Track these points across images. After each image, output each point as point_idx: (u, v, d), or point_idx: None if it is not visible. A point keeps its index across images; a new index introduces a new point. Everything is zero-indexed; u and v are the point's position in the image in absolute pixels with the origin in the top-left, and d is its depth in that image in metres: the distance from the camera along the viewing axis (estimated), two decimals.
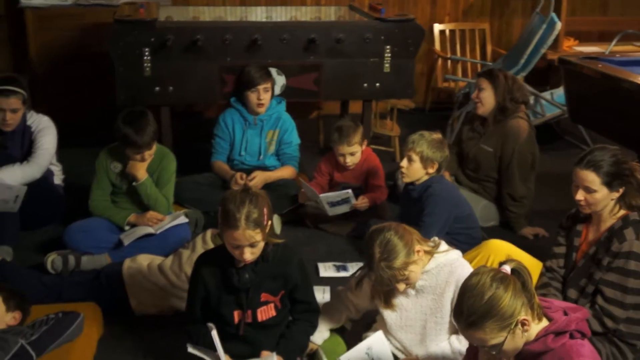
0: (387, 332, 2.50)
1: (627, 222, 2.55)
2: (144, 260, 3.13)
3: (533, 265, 2.89)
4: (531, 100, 5.06)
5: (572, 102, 4.16)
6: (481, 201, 3.91)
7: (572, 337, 1.92)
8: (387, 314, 2.49)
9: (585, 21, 6.34)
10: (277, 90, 4.29)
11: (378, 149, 4.70)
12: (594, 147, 2.65)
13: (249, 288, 2.40)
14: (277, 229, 3.70)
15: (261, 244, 2.33)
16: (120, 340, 2.87)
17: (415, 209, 3.34)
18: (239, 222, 2.24)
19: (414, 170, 3.31)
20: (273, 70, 4.23)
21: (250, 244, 2.28)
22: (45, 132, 3.72)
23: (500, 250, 2.85)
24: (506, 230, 3.88)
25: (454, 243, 2.73)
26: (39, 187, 3.62)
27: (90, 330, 2.78)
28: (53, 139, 3.75)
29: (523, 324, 1.89)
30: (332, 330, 2.65)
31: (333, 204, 3.75)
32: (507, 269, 1.93)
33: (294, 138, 4.16)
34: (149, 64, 4.11)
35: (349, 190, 3.70)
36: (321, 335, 2.60)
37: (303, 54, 4.30)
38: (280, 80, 4.31)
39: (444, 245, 2.46)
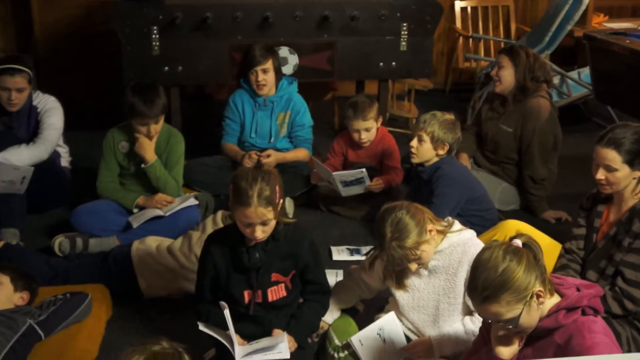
0: (400, 313, 2.59)
1: None
2: (153, 242, 3.25)
3: (552, 247, 2.96)
4: (556, 80, 5.10)
5: (598, 80, 4.21)
6: (501, 184, 3.99)
7: (584, 313, 1.97)
8: (400, 295, 2.57)
9: None
10: (290, 70, 4.38)
11: (395, 131, 4.77)
12: (615, 125, 2.71)
13: (260, 268, 2.49)
14: (290, 212, 3.79)
15: (273, 223, 2.42)
16: (129, 322, 3.00)
17: (425, 191, 3.42)
18: (251, 199, 2.32)
19: (424, 150, 3.39)
20: (285, 49, 4.32)
21: (262, 222, 2.36)
22: (52, 112, 3.84)
23: (517, 230, 2.90)
24: (527, 214, 3.95)
25: (468, 226, 2.81)
26: (46, 169, 3.75)
27: (99, 312, 2.91)
28: (60, 120, 3.87)
29: (538, 296, 1.94)
30: (343, 311, 2.75)
31: (347, 184, 3.84)
32: (518, 242, 2.00)
33: (307, 120, 4.24)
34: (157, 43, 4.22)
35: (363, 170, 3.79)
36: (331, 314, 2.69)
37: (316, 32, 4.39)
38: (292, 60, 4.40)
39: (457, 225, 2.53)
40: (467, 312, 2.51)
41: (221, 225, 3.13)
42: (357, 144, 4.00)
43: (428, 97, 5.81)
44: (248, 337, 2.52)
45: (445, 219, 2.57)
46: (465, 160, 3.94)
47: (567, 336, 1.95)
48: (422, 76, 4.80)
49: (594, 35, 4.16)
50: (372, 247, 2.63)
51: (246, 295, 2.53)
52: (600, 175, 2.67)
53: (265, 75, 4.04)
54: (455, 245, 2.48)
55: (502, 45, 5.86)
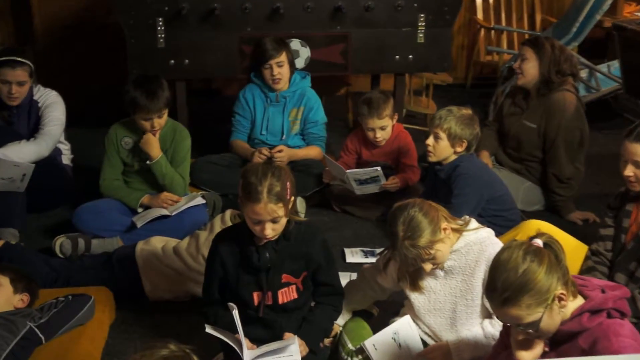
0: (416, 317, 2.62)
1: None
2: (158, 242, 3.29)
3: (578, 249, 2.99)
4: (584, 73, 5.10)
5: (627, 72, 4.22)
6: (524, 183, 4.00)
7: (609, 316, 1.98)
8: (415, 297, 2.60)
9: None
10: (301, 64, 4.42)
11: (412, 128, 4.80)
12: None
13: (270, 268, 2.53)
14: (301, 212, 3.83)
15: (283, 220, 2.45)
16: (133, 326, 3.04)
17: (443, 191, 3.44)
18: (261, 195, 2.36)
19: (440, 148, 3.40)
20: (296, 42, 4.36)
21: (272, 219, 2.40)
22: (54, 107, 3.90)
23: (537, 230, 2.92)
24: (552, 215, 3.96)
25: (489, 227, 2.83)
26: (47, 166, 3.79)
27: (101, 315, 2.96)
28: (62, 115, 3.93)
29: (560, 299, 1.95)
30: (356, 313, 2.78)
31: (361, 182, 3.87)
32: (538, 242, 2.01)
33: (320, 116, 4.28)
34: (162, 35, 4.27)
35: (378, 168, 3.82)
36: (342, 316, 2.73)
37: (329, 23, 4.43)
38: (304, 53, 4.44)
39: (474, 223, 2.55)
40: (486, 314, 2.53)
41: (230, 224, 3.15)
42: (372, 142, 4.03)
43: (447, 92, 5.83)
44: (257, 341, 2.55)
45: (462, 217, 2.59)
46: (486, 158, 3.96)
47: (591, 340, 1.96)
48: (440, 70, 4.82)
49: (624, 26, 4.17)
50: (385, 248, 2.66)
51: (255, 297, 2.57)
52: (629, 171, 2.69)
53: (280, 69, 4.08)
54: (472, 244, 2.51)
55: (527, 37, 5.87)
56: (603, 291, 2.03)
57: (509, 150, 4.10)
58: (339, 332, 2.74)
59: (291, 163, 4.04)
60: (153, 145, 3.61)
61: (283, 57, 4.08)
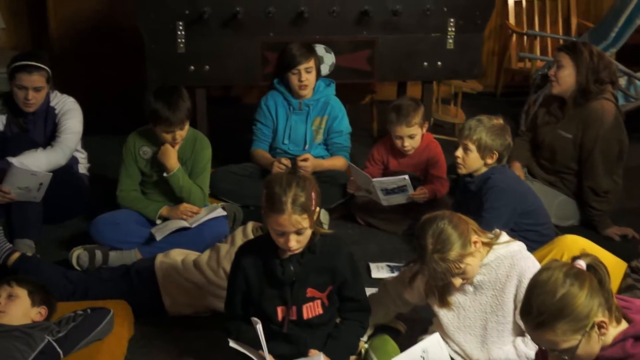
0: (445, 335, 2.66)
1: None
2: (178, 255, 3.36)
3: (616, 266, 3.01)
4: (623, 81, 5.11)
5: None
6: (558, 196, 4.02)
7: None
8: (443, 314, 2.65)
9: None
10: (326, 70, 4.48)
11: (440, 138, 4.83)
12: None
13: (294, 282, 2.59)
14: (325, 224, 3.88)
15: (308, 232, 2.51)
16: (152, 341, 3.11)
17: (474, 204, 3.46)
18: (285, 206, 2.42)
19: (470, 160, 3.44)
20: (321, 47, 4.42)
21: (297, 230, 2.46)
22: (71, 114, 3.98)
23: (576, 247, 2.94)
24: (588, 230, 3.97)
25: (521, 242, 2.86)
26: (63, 175, 3.87)
27: (120, 329, 3.03)
28: (79, 123, 4.00)
29: (600, 327, 1.95)
30: (384, 332, 2.83)
31: (388, 192, 3.91)
32: (581, 264, 2.01)
33: (345, 126, 4.33)
34: (183, 40, 4.35)
35: (406, 176, 3.85)
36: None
37: (355, 28, 4.49)
38: (329, 59, 4.50)
39: (504, 236, 2.60)
40: (518, 332, 2.57)
41: (252, 237, 3.20)
42: (400, 151, 4.07)
43: (476, 100, 5.86)
44: (281, 357, 2.61)
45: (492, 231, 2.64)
46: (518, 169, 3.97)
47: None
48: (470, 77, 4.86)
49: None
50: (410, 260, 2.70)
51: (279, 311, 2.63)
52: None
53: (308, 75, 4.14)
54: (503, 258, 2.55)
55: (561, 43, 5.89)
56: None
57: (543, 162, 4.12)
58: (364, 349, 2.79)
59: (315, 174, 4.07)
60: (170, 157, 3.68)
61: (311, 63, 4.15)
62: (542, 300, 1.96)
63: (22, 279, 2.95)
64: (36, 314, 2.89)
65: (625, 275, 2.95)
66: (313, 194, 2.50)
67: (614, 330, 2.01)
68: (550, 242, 3.19)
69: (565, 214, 4.02)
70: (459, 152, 3.46)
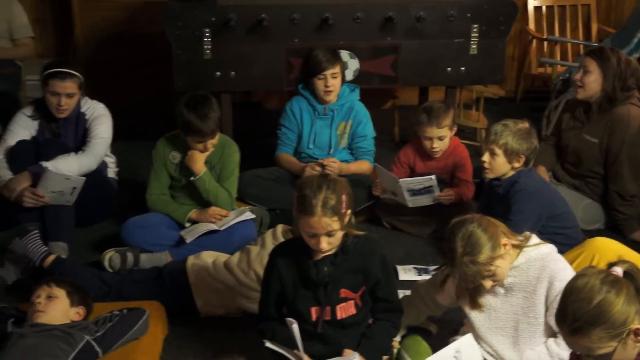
0: (477, 336, 2.72)
1: None
2: (209, 257, 3.44)
3: None
4: None
5: None
6: (583, 200, 4.07)
7: None
8: (475, 316, 2.71)
9: None
10: (350, 76, 4.55)
11: (462, 143, 4.89)
12: None
13: (328, 282, 2.66)
14: None
15: (339, 234, 2.58)
16: (186, 341, 3.19)
17: (500, 208, 3.50)
18: (315, 209, 2.49)
19: (497, 165, 3.49)
20: (345, 53, 4.49)
21: (327, 232, 2.52)
22: (101, 119, 4.07)
23: (608, 250, 2.99)
24: (613, 234, 3.98)
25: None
26: (93, 179, 3.94)
27: (155, 330, 3.11)
28: (109, 128, 4.10)
29: (637, 334, 1.97)
30: (416, 332, 2.89)
31: (414, 192, 3.97)
32: (618, 271, 2.05)
33: (369, 131, 4.39)
34: (209, 46, 4.44)
35: (433, 176, 3.91)
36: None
37: (379, 34, 4.56)
38: (353, 65, 4.57)
39: (534, 239, 2.65)
40: (550, 333, 2.62)
41: (282, 240, 3.27)
42: (427, 154, 4.13)
43: (497, 106, 5.90)
44: (315, 357, 2.67)
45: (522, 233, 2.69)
46: (543, 174, 4.01)
47: None
48: (493, 82, 4.92)
49: None
50: (440, 264, 2.76)
51: (313, 312, 2.69)
52: None
53: (334, 81, 4.21)
54: (533, 261, 2.60)
55: (582, 48, 5.92)
56: None
57: (568, 166, 4.16)
58: (396, 349, 2.86)
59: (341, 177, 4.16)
60: (197, 161, 3.76)
61: (337, 69, 4.22)
62: (578, 307, 1.99)
63: (61, 280, 3.03)
64: (74, 314, 2.97)
65: None
66: (344, 196, 2.56)
67: None
68: (579, 245, 3.22)
69: (590, 217, 4.06)
70: (486, 157, 3.50)
